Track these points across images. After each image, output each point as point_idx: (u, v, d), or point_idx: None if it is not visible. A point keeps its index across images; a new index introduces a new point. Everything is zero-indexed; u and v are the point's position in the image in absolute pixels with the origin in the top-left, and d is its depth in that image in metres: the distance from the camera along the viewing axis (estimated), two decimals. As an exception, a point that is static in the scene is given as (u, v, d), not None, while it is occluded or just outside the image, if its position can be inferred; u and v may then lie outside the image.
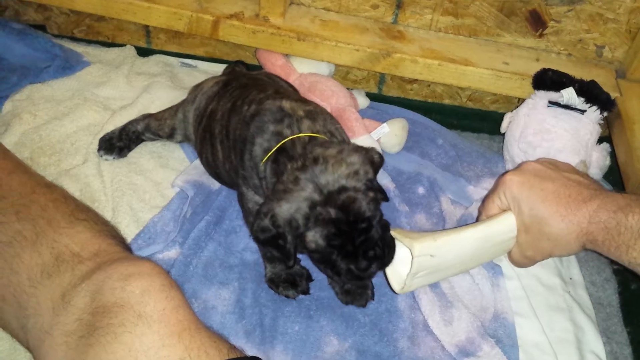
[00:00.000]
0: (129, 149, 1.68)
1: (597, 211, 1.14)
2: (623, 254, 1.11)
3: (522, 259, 1.30)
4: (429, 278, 1.26)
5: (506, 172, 1.29)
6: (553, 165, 1.28)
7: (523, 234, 1.25)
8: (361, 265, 1.18)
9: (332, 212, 1.16)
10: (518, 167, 1.31)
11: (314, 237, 1.18)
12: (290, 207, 1.17)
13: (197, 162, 1.64)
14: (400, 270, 1.24)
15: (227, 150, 1.43)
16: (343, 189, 1.17)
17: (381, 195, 1.23)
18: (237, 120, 1.40)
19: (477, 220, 1.40)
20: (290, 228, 1.18)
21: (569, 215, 1.16)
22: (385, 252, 1.20)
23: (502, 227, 1.25)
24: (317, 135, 1.29)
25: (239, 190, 1.41)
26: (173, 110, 1.67)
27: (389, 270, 1.25)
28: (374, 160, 1.25)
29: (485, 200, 1.35)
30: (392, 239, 1.23)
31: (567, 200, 1.18)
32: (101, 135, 1.67)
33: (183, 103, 1.67)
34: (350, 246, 1.17)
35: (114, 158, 1.64)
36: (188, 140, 1.67)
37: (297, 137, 1.27)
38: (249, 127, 1.34)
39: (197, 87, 1.66)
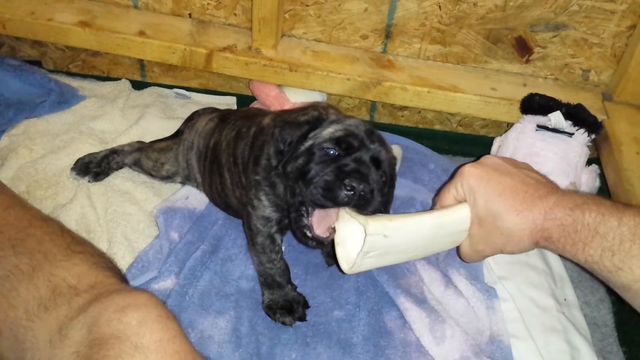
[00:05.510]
0: (107, 175, 1.70)
1: (553, 208, 1.12)
2: (579, 252, 1.09)
3: (472, 253, 1.27)
4: (380, 260, 1.24)
5: (465, 164, 1.27)
6: (512, 162, 1.27)
7: (476, 227, 1.22)
8: (350, 182, 1.17)
9: (358, 130, 1.27)
10: (478, 160, 1.29)
11: (335, 128, 1.26)
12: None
13: (183, 190, 1.67)
14: (350, 251, 1.23)
15: (237, 176, 1.45)
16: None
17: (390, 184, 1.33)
18: (244, 143, 1.43)
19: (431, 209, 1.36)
20: (321, 114, 1.30)
21: (524, 211, 1.14)
22: (367, 199, 1.20)
23: (456, 217, 1.23)
24: None
25: (245, 211, 1.40)
26: (170, 154, 1.67)
27: (339, 249, 1.23)
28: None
29: (441, 190, 1.32)
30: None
31: (523, 196, 1.16)
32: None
33: (180, 146, 1.67)
34: (347, 161, 1.22)
35: (88, 181, 1.66)
36: (189, 181, 1.68)
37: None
38: (266, 133, 1.38)
39: (192, 128, 1.67)
